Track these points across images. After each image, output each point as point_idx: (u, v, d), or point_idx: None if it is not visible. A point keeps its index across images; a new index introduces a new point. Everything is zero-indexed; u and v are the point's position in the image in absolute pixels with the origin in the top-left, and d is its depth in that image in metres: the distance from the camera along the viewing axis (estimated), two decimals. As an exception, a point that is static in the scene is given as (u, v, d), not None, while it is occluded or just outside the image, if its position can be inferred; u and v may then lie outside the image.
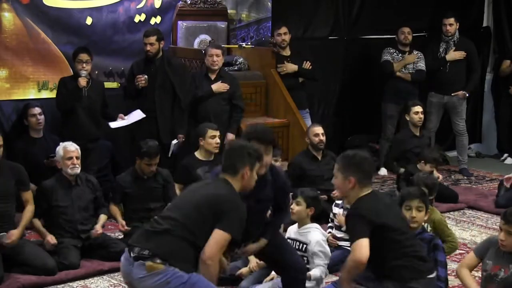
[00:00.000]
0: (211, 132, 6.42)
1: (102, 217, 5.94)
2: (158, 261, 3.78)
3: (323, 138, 6.93)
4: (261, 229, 4.52)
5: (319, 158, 6.97)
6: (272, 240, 4.55)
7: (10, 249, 5.40)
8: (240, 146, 4.15)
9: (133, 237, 4.01)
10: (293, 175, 6.72)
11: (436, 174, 7.07)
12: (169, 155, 6.94)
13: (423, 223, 4.73)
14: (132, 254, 3.85)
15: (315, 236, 5.09)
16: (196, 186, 4.16)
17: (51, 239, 5.60)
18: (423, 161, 7.01)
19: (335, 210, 5.79)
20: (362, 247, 3.89)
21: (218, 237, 3.84)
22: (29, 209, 5.61)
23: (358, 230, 3.94)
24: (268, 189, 4.43)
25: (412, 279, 4.01)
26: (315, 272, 4.92)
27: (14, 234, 5.41)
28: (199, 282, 3.83)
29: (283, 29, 7.93)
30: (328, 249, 5.15)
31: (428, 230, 5.31)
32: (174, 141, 7.01)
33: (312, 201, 5.20)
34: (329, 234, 5.74)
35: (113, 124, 6.89)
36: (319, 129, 6.94)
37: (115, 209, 6.09)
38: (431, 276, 4.12)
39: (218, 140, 6.44)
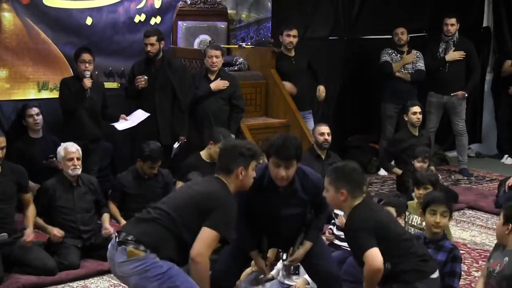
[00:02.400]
0: None
1: (106, 216, 5.95)
2: (141, 248, 3.84)
3: (329, 137, 6.95)
4: (301, 234, 4.55)
5: (323, 157, 7.00)
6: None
7: (10, 249, 5.41)
8: (232, 146, 4.18)
9: (123, 225, 4.08)
10: None
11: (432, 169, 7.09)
12: (172, 157, 6.94)
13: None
14: (117, 239, 3.92)
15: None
16: (192, 182, 4.25)
17: (58, 232, 5.60)
18: (415, 159, 7.04)
19: (336, 210, 5.78)
20: (375, 256, 3.93)
21: (205, 235, 3.88)
22: (32, 209, 5.63)
23: (364, 243, 3.97)
24: (299, 195, 4.43)
25: (416, 280, 4.04)
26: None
27: (30, 234, 5.45)
28: (178, 276, 3.87)
29: (294, 32, 7.93)
30: None
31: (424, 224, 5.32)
32: (176, 144, 7.02)
33: None
34: (329, 229, 5.76)
35: (119, 126, 6.88)
36: (325, 129, 6.97)
37: (114, 208, 6.09)
38: (434, 276, 4.13)
39: None
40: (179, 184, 6.24)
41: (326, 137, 6.94)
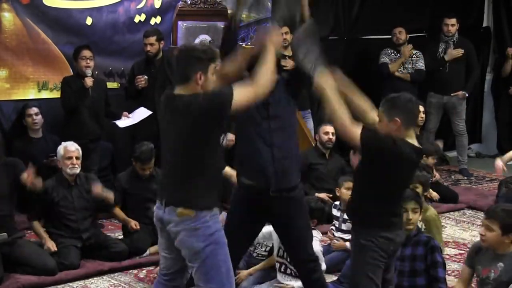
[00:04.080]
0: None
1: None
2: (188, 207, 3.76)
3: (333, 137, 6.99)
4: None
5: (327, 156, 7.05)
6: (295, 227, 4.44)
7: (10, 249, 5.40)
8: (186, 50, 3.89)
9: (158, 190, 3.98)
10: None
11: (435, 173, 7.13)
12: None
13: (418, 224, 4.74)
14: (163, 202, 3.84)
15: (315, 246, 4.98)
16: (164, 121, 3.92)
17: (52, 246, 5.58)
18: (424, 156, 7.07)
19: (334, 212, 5.82)
20: (354, 130, 3.87)
21: (240, 95, 3.74)
22: None
23: (373, 129, 3.89)
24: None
25: (384, 229, 3.94)
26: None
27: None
28: (221, 245, 3.80)
29: (285, 29, 7.94)
30: (322, 257, 5.16)
31: (422, 229, 5.33)
32: None
33: (316, 213, 5.23)
34: (330, 229, 5.78)
35: (121, 124, 6.88)
36: (330, 128, 7.01)
37: (118, 210, 6.06)
38: (400, 231, 4.07)
39: None
40: None
41: (331, 136, 6.99)
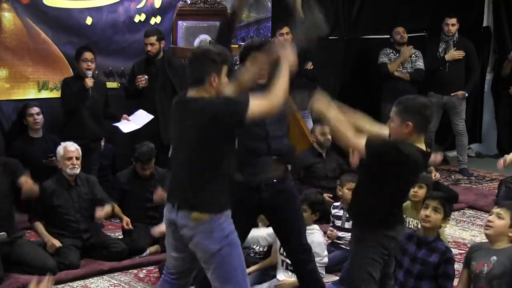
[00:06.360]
0: None
1: (107, 206, 5.84)
2: (203, 211, 3.76)
3: (330, 137, 6.99)
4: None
5: (324, 155, 7.07)
6: (287, 219, 4.48)
7: (10, 249, 5.40)
8: (201, 53, 3.89)
9: (169, 193, 3.95)
10: (298, 170, 6.77)
11: (435, 173, 7.12)
12: (170, 156, 6.88)
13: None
14: (175, 205, 3.83)
15: (318, 238, 5.21)
16: (178, 118, 3.90)
17: (56, 242, 5.57)
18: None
19: (334, 211, 5.82)
20: (358, 142, 3.83)
21: (256, 105, 3.75)
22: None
23: (378, 139, 3.86)
24: None
25: (385, 227, 3.94)
26: None
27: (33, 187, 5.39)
28: (235, 247, 3.82)
29: (285, 29, 7.95)
30: (326, 253, 5.25)
31: (420, 227, 5.34)
32: None
33: (317, 206, 5.30)
34: (330, 229, 5.79)
35: (124, 129, 6.86)
36: (327, 128, 7.00)
37: (116, 207, 6.06)
38: (400, 226, 4.10)
39: None
40: None
41: (328, 136, 6.99)
